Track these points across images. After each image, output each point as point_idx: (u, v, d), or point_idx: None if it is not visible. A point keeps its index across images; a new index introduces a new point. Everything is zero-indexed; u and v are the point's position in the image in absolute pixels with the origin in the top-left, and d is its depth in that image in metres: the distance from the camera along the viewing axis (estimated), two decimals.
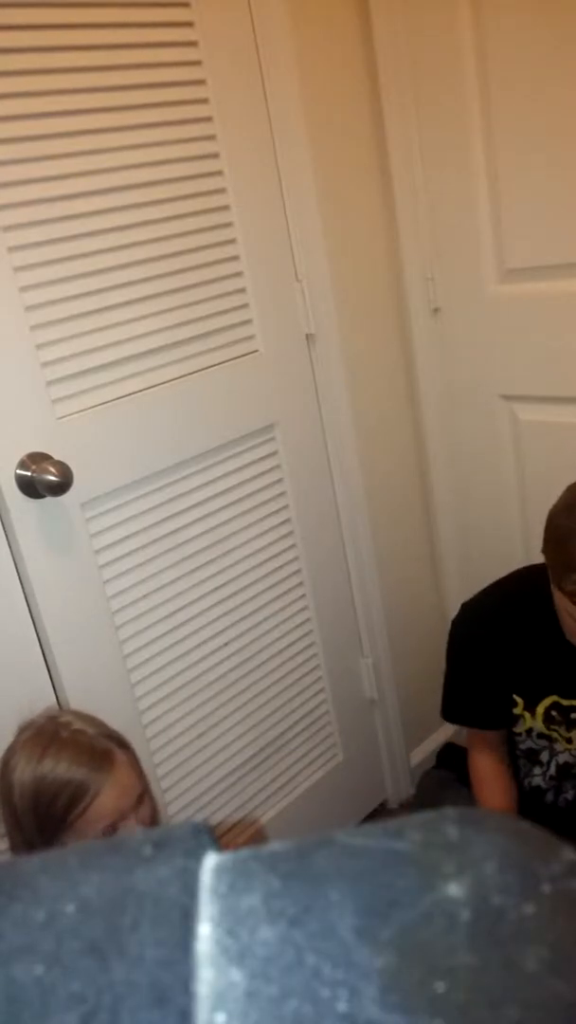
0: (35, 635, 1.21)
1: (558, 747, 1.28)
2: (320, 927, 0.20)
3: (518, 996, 0.19)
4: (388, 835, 0.23)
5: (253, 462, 1.45)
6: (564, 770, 1.28)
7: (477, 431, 1.64)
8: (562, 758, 1.28)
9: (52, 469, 1.14)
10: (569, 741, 1.26)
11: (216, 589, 1.42)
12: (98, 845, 0.24)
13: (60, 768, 0.95)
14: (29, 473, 1.15)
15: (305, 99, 1.39)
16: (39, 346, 1.15)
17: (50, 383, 1.17)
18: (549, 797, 1.32)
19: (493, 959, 0.20)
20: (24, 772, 0.96)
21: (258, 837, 1.53)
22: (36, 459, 1.15)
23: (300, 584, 1.57)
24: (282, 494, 1.51)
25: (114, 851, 0.23)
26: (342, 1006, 0.19)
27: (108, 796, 0.97)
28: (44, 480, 1.14)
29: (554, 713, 1.25)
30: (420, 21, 1.42)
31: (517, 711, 1.28)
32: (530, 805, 1.33)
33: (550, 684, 1.24)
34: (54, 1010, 0.19)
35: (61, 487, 1.15)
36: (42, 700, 1.23)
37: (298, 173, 1.41)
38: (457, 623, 1.34)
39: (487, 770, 1.34)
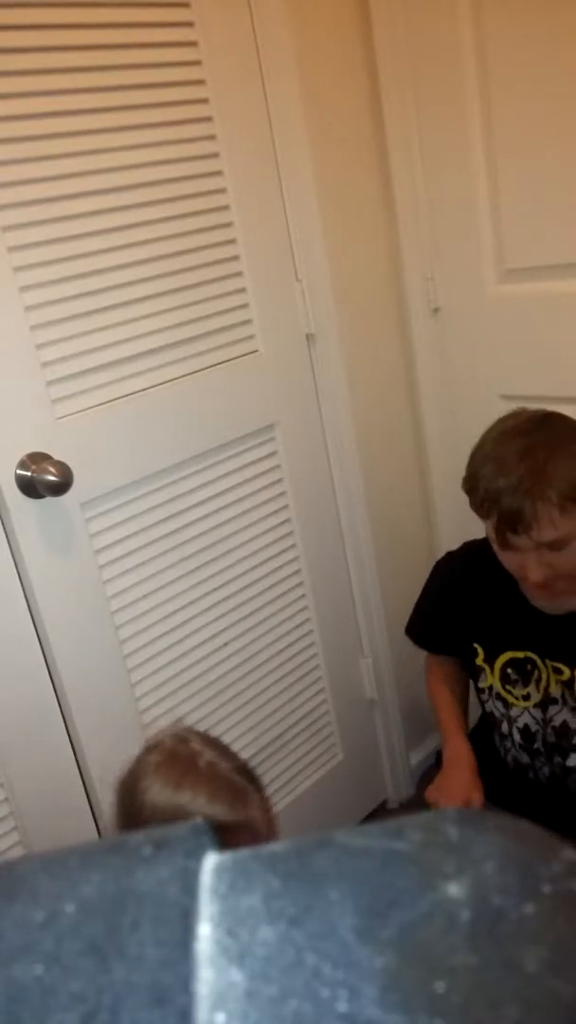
0: (35, 635, 1.21)
1: (514, 712, 1.29)
2: (320, 927, 0.20)
3: (518, 996, 0.19)
4: (388, 835, 0.23)
5: (253, 462, 1.45)
6: (527, 736, 1.29)
7: (477, 431, 1.63)
8: (521, 722, 1.29)
9: (52, 469, 1.14)
10: (527, 698, 1.28)
11: (216, 589, 1.42)
12: (98, 845, 0.24)
13: (199, 803, 0.90)
14: (29, 473, 1.15)
15: (305, 99, 1.39)
16: (39, 346, 1.15)
17: (50, 383, 1.17)
18: (531, 775, 1.33)
19: (493, 959, 0.20)
20: (160, 795, 0.91)
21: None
22: (36, 459, 1.15)
23: (300, 584, 1.57)
24: (282, 494, 1.51)
25: (114, 851, 0.23)
26: (342, 1006, 0.19)
27: (242, 837, 0.92)
28: (44, 480, 1.14)
29: (509, 671, 1.28)
30: (420, 21, 1.42)
31: (478, 661, 1.31)
32: (516, 779, 1.34)
33: (508, 639, 1.27)
34: (54, 1010, 0.19)
35: (61, 487, 1.15)
36: (42, 700, 1.23)
37: (298, 173, 1.41)
38: (439, 562, 1.42)
39: (441, 667, 1.42)
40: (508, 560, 1.15)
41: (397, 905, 0.21)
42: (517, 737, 1.31)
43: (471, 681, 1.39)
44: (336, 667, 1.66)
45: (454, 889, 0.21)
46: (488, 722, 1.37)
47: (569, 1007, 0.19)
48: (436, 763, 1.53)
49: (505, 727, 1.32)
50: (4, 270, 1.11)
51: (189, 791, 0.90)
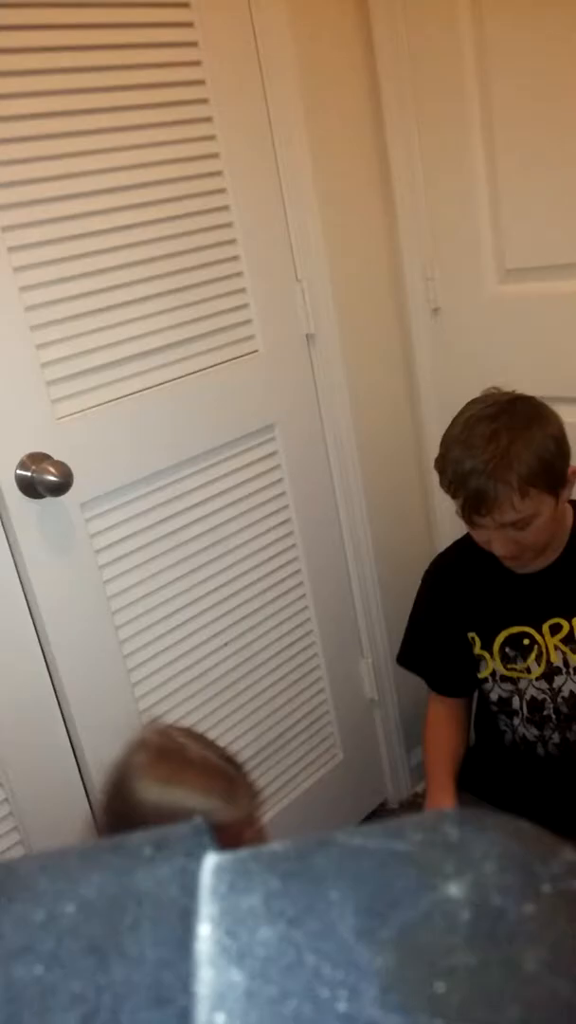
0: (35, 635, 1.21)
1: (522, 685, 1.31)
2: (320, 927, 0.20)
3: (518, 996, 0.19)
4: (388, 835, 0.23)
5: (253, 462, 1.45)
6: (535, 707, 1.30)
7: None
8: (528, 694, 1.30)
9: (52, 469, 1.14)
10: (528, 671, 1.29)
11: (216, 589, 1.42)
12: (98, 845, 0.24)
13: (194, 798, 0.91)
14: (29, 473, 1.15)
15: (305, 99, 1.39)
16: (39, 346, 1.15)
17: (50, 383, 1.17)
18: (539, 750, 1.33)
19: (493, 959, 0.20)
20: (154, 793, 0.90)
21: (258, 837, 1.53)
22: (36, 459, 1.15)
23: (300, 584, 1.57)
24: (282, 494, 1.51)
25: (114, 851, 0.23)
26: (342, 1006, 0.19)
27: (233, 824, 0.93)
28: (44, 480, 1.14)
29: (507, 649, 1.30)
30: (420, 21, 1.42)
31: (476, 650, 1.32)
32: (523, 761, 1.35)
33: (502, 618, 1.30)
34: (54, 1010, 0.19)
35: (61, 487, 1.15)
36: (42, 700, 1.23)
37: (298, 173, 1.41)
38: (424, 574, 1.43)
39: (440, 713, 1.42)
40: (477, 535, 1.22)
41: (397, 905, 0.21)
42: (525, 710, 1.32)
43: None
44: (336, 667, 1.66)
45: (454, 889, 0.21)
46: (491, 713, 1.37)
47: (569, 1007, 0.19)
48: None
49: (516, 702, 1.33)
50: (4, 270, 1.11)
51: (184, 786, 0.91)
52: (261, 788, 1.57)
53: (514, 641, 1.29)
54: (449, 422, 1.22)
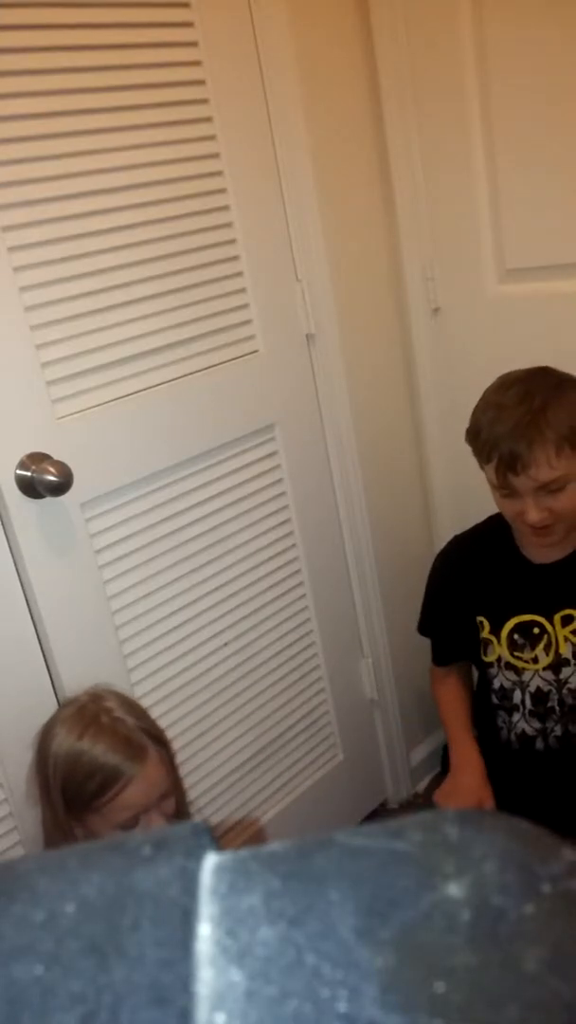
0: (35, 635, 1.21)
1: (526, 677, 1.31)
2: (320, 927, 0.20)
3: (518, 996, 0.19)
4: (388, 835, 0.23)
5: (253, 462, 1.45)
6: (539, 699, 1.30)
7: None
8: (533, 685, 1.31)
9: (52, 469, 1.14)
10: (535, 660, 1.29)
11: (216, 589, 1.42)
12: (98, 845, 0.24)
13: (96, 750, 1.01)
14: (29, 473, 1.15)
15: (305, 99, 1.39)
16: (39, 346, 1.15)
17: (50, 383, 1.17)
18: (539, 744, 1.33)
19: (493, 959, 0.20)
20: (61, 745, 1.02)
21: (258, 837, 1.53)
22: (36, 459, 1.15)
23: (300, 584, 1.57)
24: (282, 494, 1.51)
25: (114, 851, 0.23)
26: (342, 1006, 0.19)
27: (137, 788, 1.01)
28: (44, 480, 1.14)
29: (516, 636, 1.30)
30: (420, 21, 1.42)
31: (484, 634, 1.33)
32: (521, 758, 1.35)
33: (513, 604, 1.31)
34: (54, 1010, 0.19)
35: (61, 487, 1.15)
36: (42, 700, 1.23)
37: (298, 173, 1.41)
38: (435, 559, 1.48)
39: (443, 672, 1.48)
40: (508, 507, 1.22)
41: (397, 905, 0.21)
42: (528, 703, 1.32)
43: (475, 667, 1.43)
44: (336, 667, 1.66)
45: (454, 889, 0.21)
46: (490, 708, 1.37)
47: (569, 1007, 0.19)
48: (442, 768, 1.53)
49: (517, 696, 1.33)
50: (4, 270, 1.11)
51: (90, 740, 1.01)
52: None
53: (523, 629, 1.30)
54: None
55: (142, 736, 1.04)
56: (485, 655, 1.35)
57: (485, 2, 1.33)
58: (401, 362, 1.65)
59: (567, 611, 1.27)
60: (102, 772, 1.00)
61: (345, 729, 1.70)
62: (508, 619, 1.31)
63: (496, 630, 1.32)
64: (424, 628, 1.51)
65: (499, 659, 1.33)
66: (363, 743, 1.75)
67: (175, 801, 1.09)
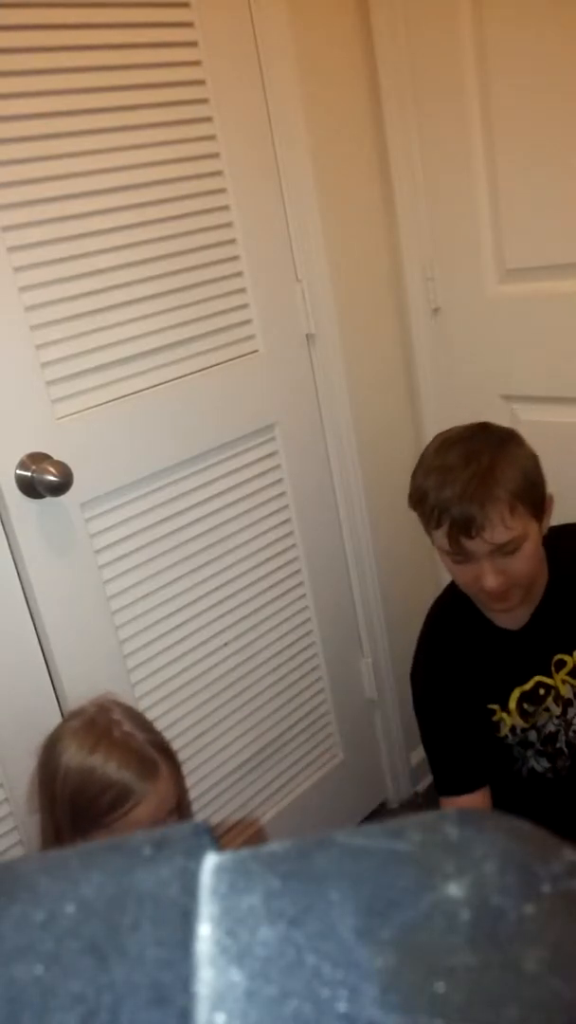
0: (35, 635, 1.21)
1: (541, 721, 1.28)
2: (320, 927, 0.20)
3: (518, 996, 0.19)
4: (388, 835, 0.23)
5: (253, 462, 1.45)
6: (548, 739, 1.29)
7: None
8: (546, 729, 1.29)
9: (52, 469, 1.14)
10: (547, 710, 1.27)
11: (216, 589, 1.42)
12: (98, 845, 0.24)
13: (109, 767, 0.97)
14: (29, 473, 1.15)
15: (305, 99, 1.39)
16: (39, 346, 1.15)
17: (50, 383, 1.17)
18: (549, 775, 1.32)
19: (493, 959, 0.20)
20: (72, 759, 0.98)
21: (258, 837, 1.53)
22: (36, 459, 1.15)
23: (300, 584, 1.57)
24: (282, 494, 1.51)
25: (114, 851, 0.23)
26: (342, 1006, 0.19)
27: (148, 805, 0.99)
28: (44, 480, 1.14)
29: (526, 705, 1.26)
30: (420, 20, 1.42)
31: (496, 718, 1.27)
32: (531, 793, 1.33)
33: (511, 677, 1.25)
34: (54, 1010, 0.19)
35: (61, 487, 1.15)
36: (42, 700, 1.23)
37: (298, 173, 1.41)
38: (412, 678, 1.33)
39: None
40: (462, 574, 1.15)
41: (397, 905, 0.21)
42: (539, 744, 1.30)
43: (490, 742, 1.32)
44: (336, 667, 1.66)
45: (454, 889, 0.21)
46: (506, 745, 1.33)
47: (569, 1007, 0.19)
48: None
49: (533, 736, 1.29)
50: (4, 270, 1.11)
51: (102, 756, 0.98)
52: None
53: (530, 695, 1.26)
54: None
55: (153, 751, 1.01)
56: (499, 733, 1.28)
57: (485, 2, 1.33)
58: (401, 362, 1.65)
59: (558, 656, 1.23)
60: (114, 789, 0.97)
61: (345, 729, 1.70)
62: (512, 691, 1.25)
63: (504, 707, 1.26)
64: (443, 756, 1.29)
65: (512, 729, 1.28)
66: (363, 743, 1.75)
67: (181, 810, 1.07)
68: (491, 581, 1.10)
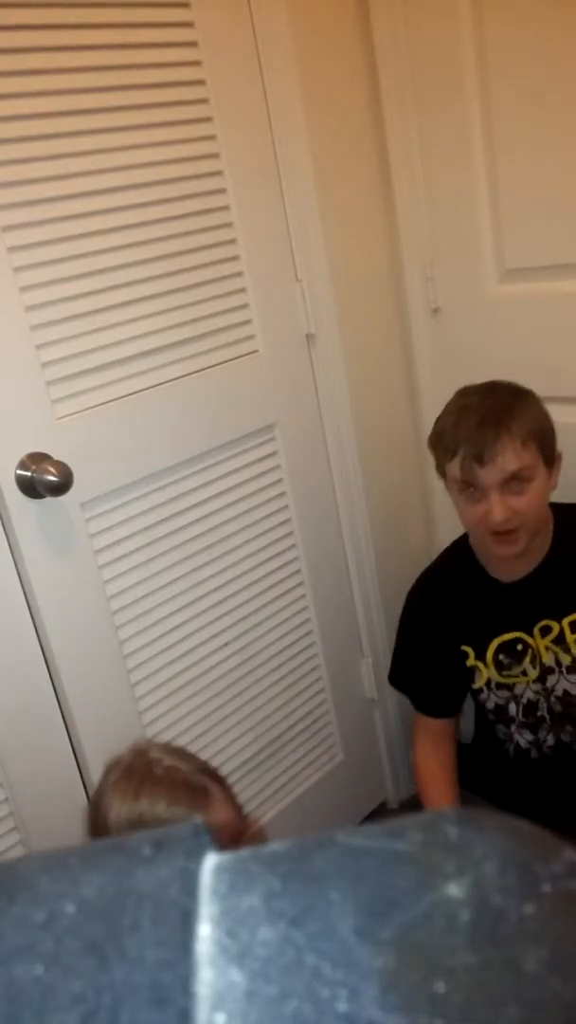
0: (35, 635, 1.21)
1: (519, 690, 1.31)
2: (320, 927, 0.20)
3: (518, 996, 0.19)
4: (388, 835, 0.23)
5: (253, 462, 1.45)
6: (529, 709, 1.30)
7: None
8: (525, 697, 1.30)
9: (52, 469, 1.14)
10: (524, 674, 1.30)
11: (216, 589, 1.42)
12: (98, 845, 0.24)
13: (158, 808, 0.90)
14: (29, 473, 1.15)
15: (305, 99, 1.39)
16: (39, 346, 1.15)
17: (50, 383, 1.17)
18: (533, 754, 1.33)
19: (493, 959, 0.20)
20: (119, 813, 0.91)
21: (258, 837, 1.53)
22: (36, 459, 1.15)
23: (300, 584, 1.57)
24: (282, 494, 1.51)
25: (114, 851, 0.23)
26: (342, 1006, 0.19)
27: (223, 827, 0.93)
28: (44, 480, 1.14)
29: (502, 657, 1.30)
30: (420, 20, 1.42)
31: (469, 663, 1.32)
32: (519, 770, 1.34)
33: (493, 626, 1.30)
34: (54, 1010, 0.19)
35: (61, 487, 1.15)
36: (42, 700, 1.23)
37: (298, 173, 1.41)
38: (408, 594, 1.44)
39: (430, 767, 1.40)
40: (471, 511, 1.20)
41: (397, 905, 0.21)
42: (520, 715, 1.31)
43: (469, 696, 1.39)
44: (336, 667, 1.66)
45: (454, 889, 0.21)
46: (489, 722, 1.36)
47: (569, 1007, 0.19)
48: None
49: (512, 709, 1.32)
50: (4, 270, 1.11)
51: (148, 799, 0.90)
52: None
53: (507, 647, 1.29)
54: None
55: (200, 777, 0.94)
56: (474, 682, 1.33)
57: (485, 2, 1.33)
58: (401, 362, 1.65)
59: (544, 622, 1.27)
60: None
61: (345, 729, 1.70)
62: (490, 641, 1.30)
63: (481, 655, 1.31)
64: (401, 676, 1.46)
65: (488, 682, 1.32)
66: (363, 743, 1.75)
67: (255, 838, 1.00)
68: (499, 513, 1.15)
